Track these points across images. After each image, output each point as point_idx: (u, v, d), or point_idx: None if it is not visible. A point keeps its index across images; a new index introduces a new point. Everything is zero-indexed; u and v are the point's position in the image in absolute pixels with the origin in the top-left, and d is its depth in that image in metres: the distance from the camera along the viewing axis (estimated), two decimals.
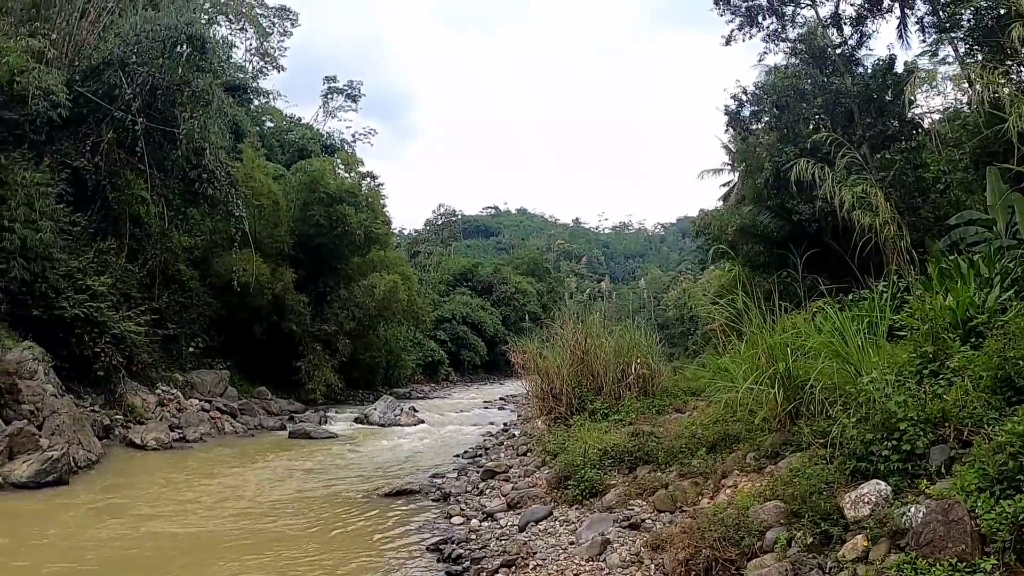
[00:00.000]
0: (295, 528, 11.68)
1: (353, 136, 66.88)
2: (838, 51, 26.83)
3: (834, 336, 9.29)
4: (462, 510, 12.21)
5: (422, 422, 27.73)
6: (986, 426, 6.42)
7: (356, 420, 27.85)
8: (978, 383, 7.05)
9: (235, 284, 29.19)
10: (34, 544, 10.53)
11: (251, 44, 59.42)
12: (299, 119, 61.25)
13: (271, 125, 54.40)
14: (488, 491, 13.46)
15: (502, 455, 17.19)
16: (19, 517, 12.16)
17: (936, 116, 27.21)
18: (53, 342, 19.25)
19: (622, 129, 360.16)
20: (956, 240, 15.96)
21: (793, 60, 28.31)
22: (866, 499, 6.40)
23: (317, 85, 76.90)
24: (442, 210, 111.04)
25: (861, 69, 26.52)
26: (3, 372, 15.85)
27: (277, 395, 31.05)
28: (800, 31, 28.48)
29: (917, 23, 27.10)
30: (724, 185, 48.66)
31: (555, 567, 8.42)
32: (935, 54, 29.47)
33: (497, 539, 10.16)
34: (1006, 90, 14.23)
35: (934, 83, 26.96)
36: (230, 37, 53.61)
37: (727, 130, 33.90)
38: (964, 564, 5.22)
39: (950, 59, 28.92)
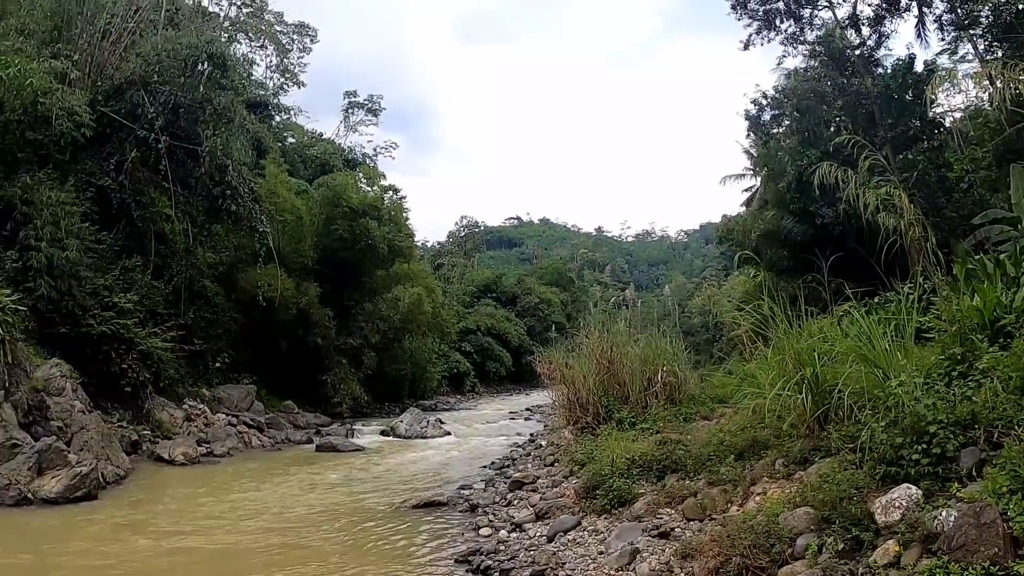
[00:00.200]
0: (323, 541, 11.69)
1: (374, 150, 67.25)
2: (857, 52, 26.71)
3: (861, 340, 9.20)
4: (490, 521, 12.17)
5: (448, 434, 27.74)
6: (1016, 427, 6.34)
7: (382, 433, 27.88)
8: (1007, 384, 6.97)
9: (260, 299, 29.29)
10: (57, 560, 10.58)
11: (271, 61, 59.88)
12: (320, 134, 61.58)
13: (293, 141, 54.60)
14: (516, 502, 13.40)
15: (529, 466, 17.13)
16: (45, 533, 12.24)
17: (958, 115, 27.09)
18: (81, 359, 19.40)
19: (643, 137, 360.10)
20: (981, 239, 15.84)
21: (812, 63, 28.23)
22: (897, 504, 6.32)
23: (338, 100, 77.56)
24: (465, 222, 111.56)
25: (881, 70, 26.43)
26: (32, 389, 15.96)
27: (303, 409, 31.12)
28: (818, 33, 28.36)
29: (935, 21, 26.94)
30: (746, 190, 48.49)
31: None
32: (955, 52, 29.28)
33: (526, 550, 10.12)
34: None
35: (954, 81, 26.77)
36: (250, 54, 53.94)
37: (748, 135, 33.96)
38: (997, 568, 5.16)
39: (970, 56, 28.77)
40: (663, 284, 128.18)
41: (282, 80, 61.05)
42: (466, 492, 15.21)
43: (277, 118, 51.18)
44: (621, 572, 8.30)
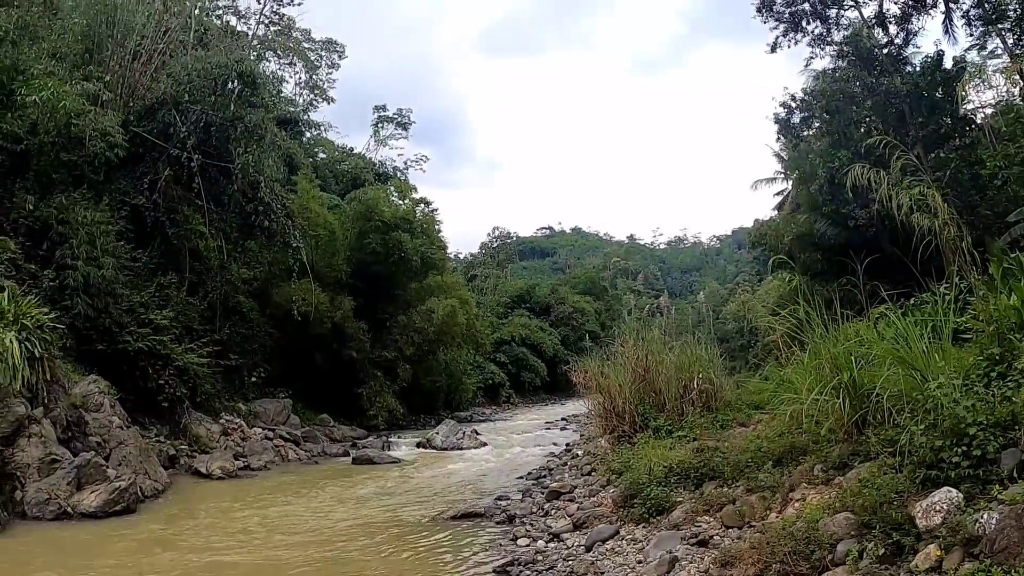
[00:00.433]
0: (362, 554, 11.72)
1: (405, 163, 67.45)
2: (885, 51, 26.47)
3: (898, 342, 9.11)
4: (528, 531, 12.17)
5: (485, 445, 27.74)
6: None
7: (418, 445, 27.91)
8: None
9: (295, 314, 29.44)
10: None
11: (300, 78, 60.18)
12: (351, 149, 61.91)
13: (324, 156, 54.95)
14: (553, 512, 13.40)
15: (566, 475, 17.10)
16: (77, 547, 12.34)
17: (989, 111, 26.81)
18: (118, 375, 19.59)
19: (674, 143, 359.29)
20: (1017, 237, 15.66)
21: (840, 63, 27.97)
22: (937, 507, 6.25)
23: (367, 115, 77.59)
24: (497, 233, 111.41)
25: (909, 68, 26.16)
26: (70, 405, 16.14)
27: (339, 422, 31.24)
28: (845, 33, 28.13)
29: (963, 17, 26.61)
30: (778, 194, 48.31)
31: None
32: (983, 47, 29.02)
33: (564, 560, 10.12)
34: None
35: (984, 77, 26.51)
36: (279, 72, 54.32)
37: (778, 138, 33.71)
38: None
39: (999, 51, 28.51)
40: (696, 291, 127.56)
41: (311, 96, 61.47)
42: (503, 503, 15.20)
43: (308, 134, 51.58)
44: None
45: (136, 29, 26.39)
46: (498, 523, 13.38)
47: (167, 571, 10.80)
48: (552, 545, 11.08)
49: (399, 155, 69.39)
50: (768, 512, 9.13)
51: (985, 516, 5.77)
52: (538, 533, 11.95)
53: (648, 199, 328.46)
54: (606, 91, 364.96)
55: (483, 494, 16.82)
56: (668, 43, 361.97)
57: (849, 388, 8.90)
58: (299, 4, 53.07)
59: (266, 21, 53.61)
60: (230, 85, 26.27)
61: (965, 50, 29.18)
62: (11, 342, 14.02)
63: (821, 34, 28.87)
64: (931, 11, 27.17)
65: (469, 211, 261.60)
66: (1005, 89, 29.26)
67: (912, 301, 14.71)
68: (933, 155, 23.02)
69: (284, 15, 54.33)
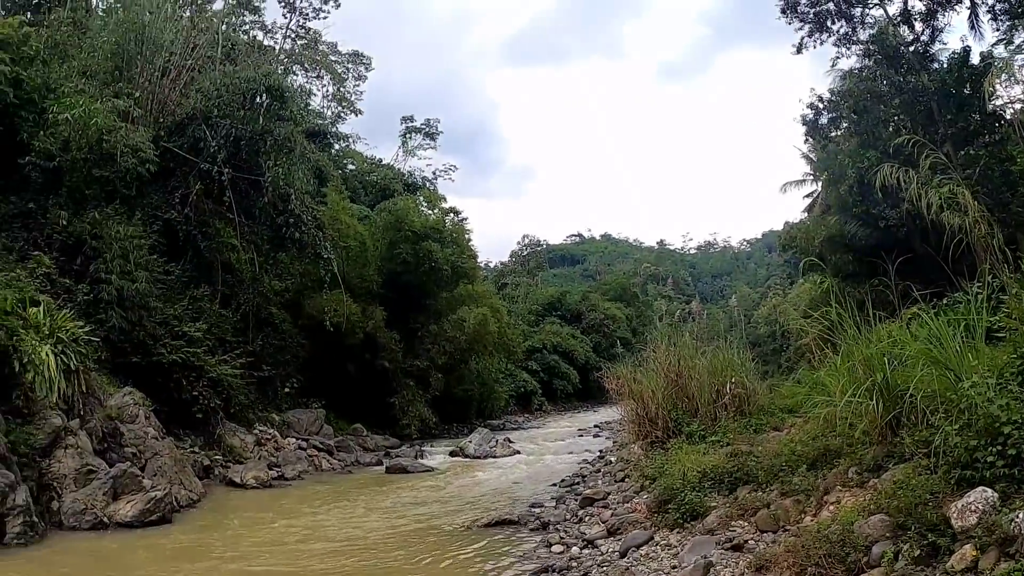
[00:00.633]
0: (397, 561, 11.76)
1: (434, 173, 67.46)
2: (911, 49, 26.23)
3: (931, 342, 9.04)
4: (562, 538, 12.16)
5: (518, 453, 27.73)
6: None
7: (451, 453, 27.93)
8: None
9: (327, 324, 29.57)
10: None
11: (328, 90, 60.43)
12: (380, 160, 62.01)
13: (353, 168, 55.10)
14: (587, 518, 13.39)
15: (599, 482, 17.08)
16: (116, 556, 12.51)
17: (1018, 106, 26.45)
18: (153, 387, 19.79)
19: (701, 147, 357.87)
20: None
21: (867, 62, 27.74)
22: (973, 507, 6.20)
23: (395, 126, 77.59)
24: (527, 241, 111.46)
25: (936, 65, 25.91)
26: (106, 417, 16.34)
27: (372, 431, 31.36)
28: (871, 32, 27.89)
29: (988, 12, 26.26)
30: (807, 196, 47.99)
31: None
32: (1010, 42, 28.54)
33: (598, 566, 10.10)
34: None
35: (1012, 72, 26.15)
36: (307, 85, 54.65)
37: (806, 140, 33.46)
38: None
39: None
40: (727, 295, 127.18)
41: (339, 109, 61.67)
42: (537, 510, 15.21)
43: (336, 146, 51.68)
44: None
45: (165, 46, 26.72)
46: (532, 530, 13.38)
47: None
48: (586, 551, 11.06)
49: (427, 165, 69.40)
50: (803, 516, 9.08)
51: (1021, 515, 5.72)
52: (572, 540, 11.94)
53: (677, 204, 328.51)
54: (632, 97, 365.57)
55: (517, 502, 16.81)
56: (693, 46, 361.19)
57: (882, 389, 8.85)
58: (325, 18, 53.41)
59: (293, 35, 54.08)
60: (259, 99, 26.56)
61: (992, 45, 28.81)
62: (47, 355, 14.20)
63: (846, 33, 28.64)
64: (956, 7, 26.89)
65: (499, 220, 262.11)
66: None
67: (944, 301, 14.59)
68: (963, 152, 22.79)
69: (310, 29, 54.80)
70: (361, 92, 62.84)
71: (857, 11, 28.37)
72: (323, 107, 58.57)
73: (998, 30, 27.12)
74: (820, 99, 29.72)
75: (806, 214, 46.36)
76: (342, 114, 61.64)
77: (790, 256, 47.49)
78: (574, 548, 11.35)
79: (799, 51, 29.35)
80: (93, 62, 25.43)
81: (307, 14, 52.98)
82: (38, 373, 13.94)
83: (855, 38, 28.56)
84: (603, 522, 12.42)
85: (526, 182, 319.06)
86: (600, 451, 24.34)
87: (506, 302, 63.44)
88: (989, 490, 6.30)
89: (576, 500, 15.25)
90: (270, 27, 52.58)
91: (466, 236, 45.25)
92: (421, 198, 48.36)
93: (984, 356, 8.56)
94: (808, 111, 30.02)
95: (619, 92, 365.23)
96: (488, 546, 12.41)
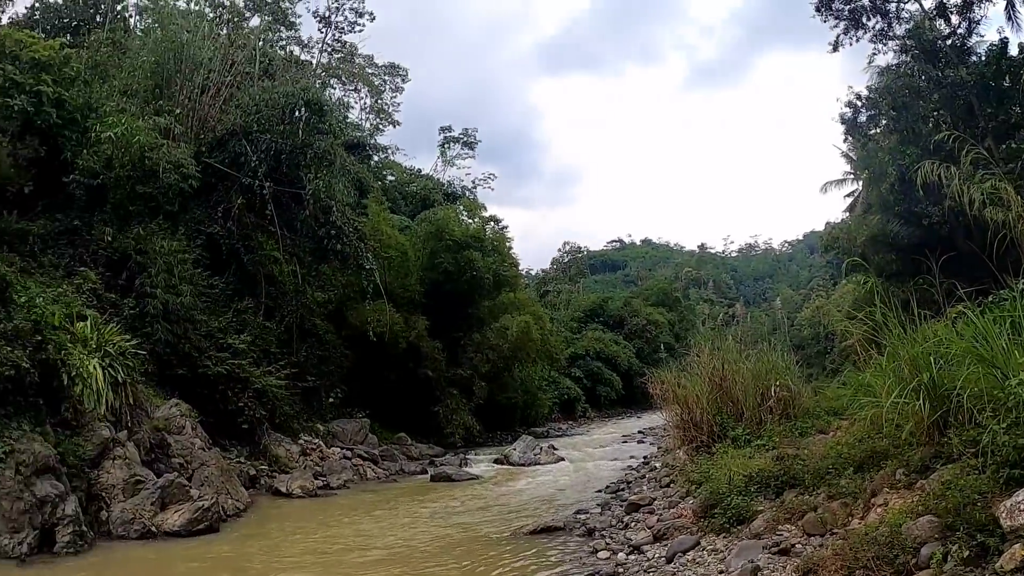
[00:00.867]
0: (444, 569, 11.81)
1: (473, 182, 67.55)
2: (948, 42, 25.85)
3: (977, 340, 8.92)
4: (607, 544, 12.16)
5: (562, 460, 27.72)
6: None
7: (496, 461, 27.97)
8: None
9: (370, 335, 29.65)
10: None
11: (365, 103, 60.81)
12: (419, 170, 62.18)
13: (392, 178, 55.33)
14: (633, 524, 13.37)
15: (645, 488, 17.05)
16: (163, 565, 12.72)
17: None
18: (199, 399, 20.01)
19: (740, 149, 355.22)
20: None
21: (904, 57, 27.39)
22: (1022, 507, 6.13)
23: (433, 136, 77.94)
24: (567, 248, 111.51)
25: (974, 58, 25.53)
26: (153, 428, 16.57)
27: (416, 440, 31.40)
28: (906, 27, 27.54)
29: None
30: (848, 195, 47.68)
31: None
32: None
33: (645, 571, 10.10)
34: None
35: None
36: (345, 98, 55.11)
37: (845, 139, 33.18)
38: None
39: None
40: (770, 298, 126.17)
41: (377, 120, 62.06)
42: (582, 516, 15.19)
43: (375, 157, 52.00)
44: None
45: (203, 63, 27.20)
46: (578, 536, 13.38)
47: None
48: (632, 557, 11.05)
49: (466, 174, 69.26)
50: (850, 518, 9.01)
51: None
52: (618, 546, 11.94)
53: (717, 207, 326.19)
54: (668, 100, 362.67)
55: (562, 508, 16.83)
56: (728, 47, 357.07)
57: (929, 389, 8.75)
58: (360, 31, 53.75)
59: (329, 49, 54.45)
60: (297, 113, 26.84)
61: None
62: (95, 368, 14.44)
63: (882, 29, 28.25)
64: None
65: (539, 227, 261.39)
66: None
67: (990, 298, 14.39)
68: (1004, 146, 22.42)
69: (346, 43, 55.10)
70: (398, 103, 63.39)
71: (892, 6, 27.99)
72: (361, 119, 59.06)
73: None
74: (858, 97, 29.44)
75: (847, 214, 46.02)
76: (380, 126, 62.13)
77: (832, 257, 47.11)
78: (620, 554, 11.35)
79: (835, 49, 29.01)
80: (133, 81, 25.87)
81: (343, 28, 53.32)
82: (86, 386, 14.19)
83: (891, 33, 28.17)
84: (649, 528, 12.41)
85: (566, 189, 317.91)
86: (644, 457, 24.29)
87: (548, 309, 63.36)
88: None
89: (621, 506, 15.25)
90: (306, 42, 53.18)
91: (507, 244, 45.31)
92: (461, 207, 48.42)
93: None
94: (847, 109, 29.77)
95: (655, 95, 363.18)
96: (533, 553, 12.42)
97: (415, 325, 33.68)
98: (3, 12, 28.91)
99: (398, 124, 64.39)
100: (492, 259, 39.33)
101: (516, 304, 43.33)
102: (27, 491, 12.34)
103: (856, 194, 44.46)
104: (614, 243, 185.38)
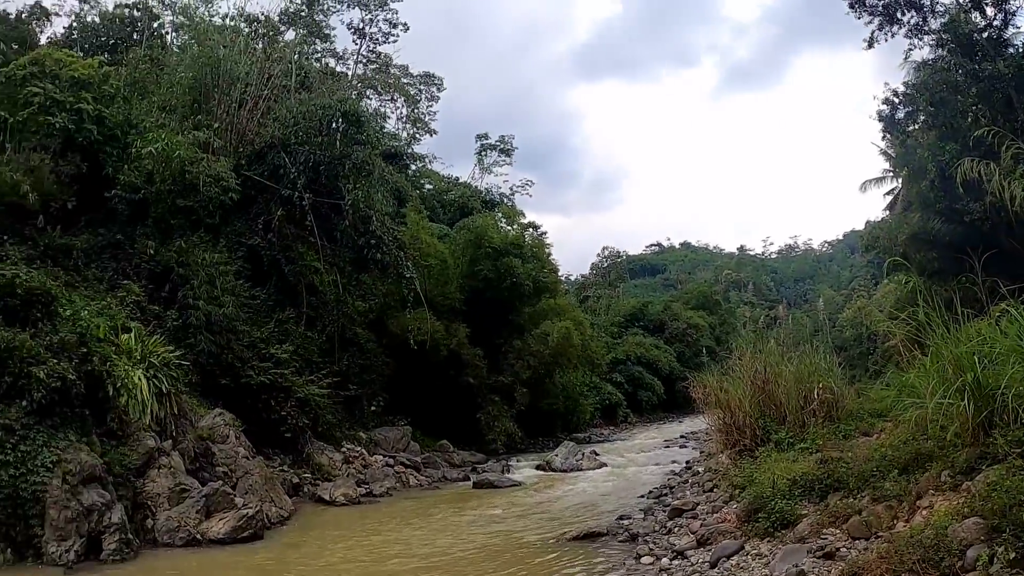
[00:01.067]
0: (490, 574, 11.80)
1: (511, 189, 67.61)
2: (984, 35, 25.47)
3: (1021, 339, 8.81)
4: (651, 550, 12.13)
5: (604, 465, 27.65)
6: None
7: (538, 467, 27.95)
8: None
9: (411, 343, 29.73)
10: None
11: (401, 112, 60.96)
12: (456, 178, 62.32)
13: (430, 187, 55.49)
14: (676, 529, 13.32)
15: (688, 492, 16.98)
16: (207, 571, 12.97)
17: None
18: (242, 408, 20.24)
19: (777, 150, 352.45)
20: None
21: (940, 52, 27.04)
22: None
23: (470, 144, 77.84)
24: (607, 253, 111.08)
25: (1011, 50, 25.16)
26: (197, 438, 16.82)
27: (458, 447, 31.42)
28: (942, 20, 27.19)
29: None
30: (888, 193, 47.22)
31: None
32: None
33: None
34: None
35: None
36: (381, 108, 55.25)
37: (883, 136, 32.80)
38: None
39: None
40: (811, 299, 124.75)
41: (414, 130, 62.15)
42: (625, 522, 15.16)
43: (413, 167, 52.23)
44: None
45: (240, 78, 27.52)
46: (621, 542, 13.40)
47: None
48: (676, 562, 11.02)
49: (504, 181, 69.19)
50: (895, 521, 8.92)
51: None
52: (661, 551, 11.91)
53: (756, 209, 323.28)
54: (704, 102, 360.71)
55: (604, 514, 16.81)
56: (762, 46, 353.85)
57: (973, 389, 8.65)
58: (394, 41, 54.08)
59: (364, 60, 54.83)
60: (335, 125, 27.10)
61: None
62: (140, 379, 14.69)
63: (917, 24, 27.88)
64: None
65: (577, 233, 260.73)
66: None
67: None
68: None
69: (381, 53, 55.47)
70: (434, 112, 63.38)
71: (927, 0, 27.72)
72: (398, 129, 59.15)
73: None
74: (895, 93, 29.10)
75: (887, 212, 45.59)
76: (417, 135, 62.24)
77: (873, 256, 46.57)
78: (664, 559, 11.33)
79: (871, 45, 28.68)
80: (172, 97, 26.34)
81: (377, 39, 53.69)
82: (131, 397, 14.43)
83: (926, 28, 27.79)
84: (692, 533, 12.36)
85: (604, 194, 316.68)
86: (687, 462, 24.18)
87: (588, 315, 63.26)
88: None
89: (664, 511, 15.18)
90: (341, 54, 53.57)
91: (546, 250, 45.36)
92: (499, 214, 48.52)
93: None
94: (884, 107, 29.42)
95: (691, 98, 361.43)
96: (577, 559, 12.44)
97: (456, 332, 33.76)
98: (42, 32, 29.44)
99: (435, 133, 64.55)
100: (531, 265, 39.35)
101: (556, 310, 43.29)
102: (74, 500, 12.58)
103: (896, 192, 44.02)
104: (653, 247, 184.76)
